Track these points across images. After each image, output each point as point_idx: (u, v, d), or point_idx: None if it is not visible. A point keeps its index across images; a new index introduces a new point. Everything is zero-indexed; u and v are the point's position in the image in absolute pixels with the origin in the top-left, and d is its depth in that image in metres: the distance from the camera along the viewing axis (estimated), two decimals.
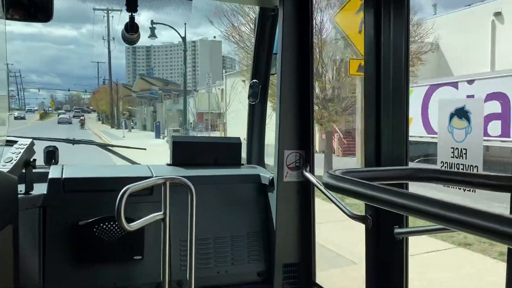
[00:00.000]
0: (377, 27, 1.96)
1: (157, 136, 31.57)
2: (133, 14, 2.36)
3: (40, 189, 2.30)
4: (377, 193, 0.97)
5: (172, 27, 28.55)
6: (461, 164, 1.84)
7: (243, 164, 2.98)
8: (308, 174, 2.50)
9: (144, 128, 47.95)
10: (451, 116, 1.86)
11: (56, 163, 2.70)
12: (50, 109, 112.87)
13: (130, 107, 54.25)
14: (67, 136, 3.41)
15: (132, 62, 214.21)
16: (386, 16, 1.93)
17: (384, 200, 0.95)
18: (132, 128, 46.16)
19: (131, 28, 2.39)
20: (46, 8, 2.13)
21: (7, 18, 2.09)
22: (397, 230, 1.93)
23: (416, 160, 12.00)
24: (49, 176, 2.35)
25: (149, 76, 47.47)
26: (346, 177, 1.07)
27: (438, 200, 0.83)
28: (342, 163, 16.10)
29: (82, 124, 47.58)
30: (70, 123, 53.62)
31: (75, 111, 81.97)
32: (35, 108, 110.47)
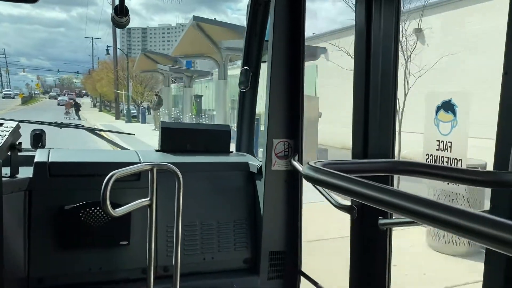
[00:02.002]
0: (368, 19, 1.95)
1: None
2: None
3: (26, 172, 2.28)
4: (355, 186, 0.96)
5: None
6: (446, 157, 1.85)
7: (232, 152, 2.98)
8: (296, 163, 2.51)
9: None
10: (438, 109, 1.86)
11: (43, 146, 2.68)
12: (36, 92, 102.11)
13: (156, 91, 31.46)
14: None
15: (127, 44, 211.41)
16: (377, 7, 1.93)
17: (362, 194, 0.94)
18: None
19: (121, 11, 2.35)
20: None
21: None
22: (381, 221, 1.95)
23: None
24: (35, 160, 2.33)
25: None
26: (325, 169, 1.07)
27: (415, 196, 0.82)
28: None
29: (68, 112, 33.05)
30: None
31: (68, 94, 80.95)
32: (15, 92, 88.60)
